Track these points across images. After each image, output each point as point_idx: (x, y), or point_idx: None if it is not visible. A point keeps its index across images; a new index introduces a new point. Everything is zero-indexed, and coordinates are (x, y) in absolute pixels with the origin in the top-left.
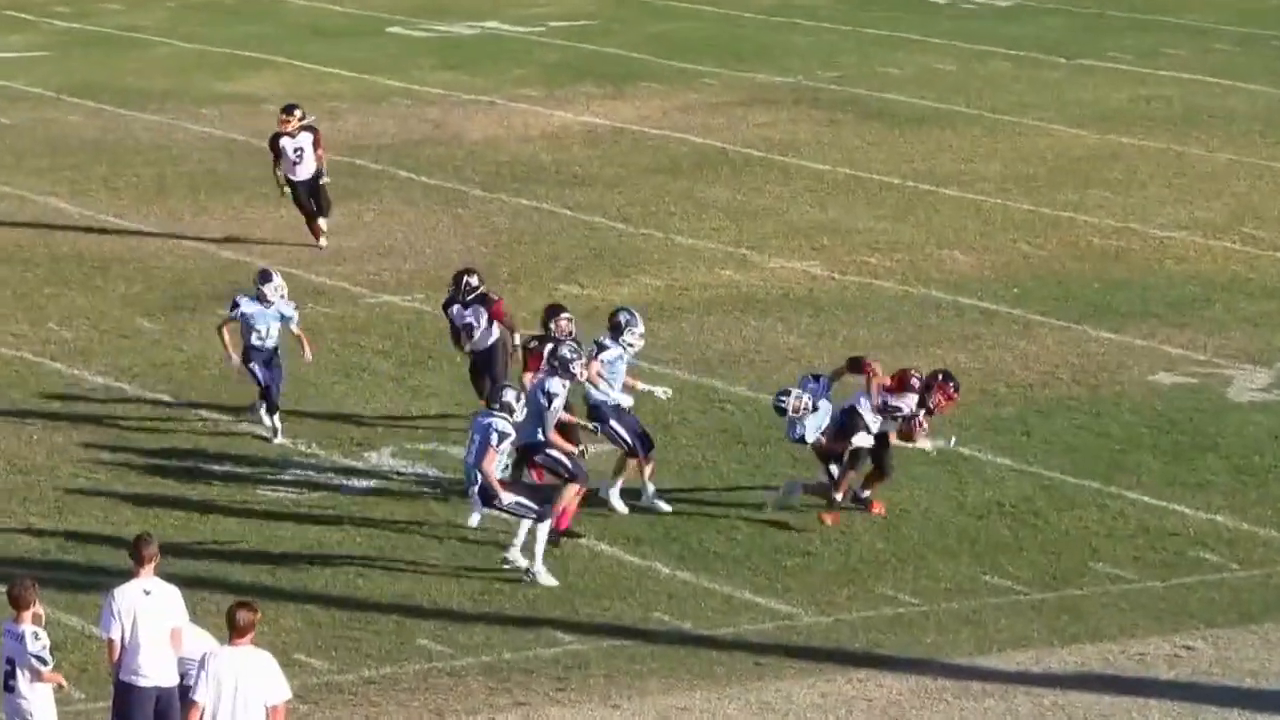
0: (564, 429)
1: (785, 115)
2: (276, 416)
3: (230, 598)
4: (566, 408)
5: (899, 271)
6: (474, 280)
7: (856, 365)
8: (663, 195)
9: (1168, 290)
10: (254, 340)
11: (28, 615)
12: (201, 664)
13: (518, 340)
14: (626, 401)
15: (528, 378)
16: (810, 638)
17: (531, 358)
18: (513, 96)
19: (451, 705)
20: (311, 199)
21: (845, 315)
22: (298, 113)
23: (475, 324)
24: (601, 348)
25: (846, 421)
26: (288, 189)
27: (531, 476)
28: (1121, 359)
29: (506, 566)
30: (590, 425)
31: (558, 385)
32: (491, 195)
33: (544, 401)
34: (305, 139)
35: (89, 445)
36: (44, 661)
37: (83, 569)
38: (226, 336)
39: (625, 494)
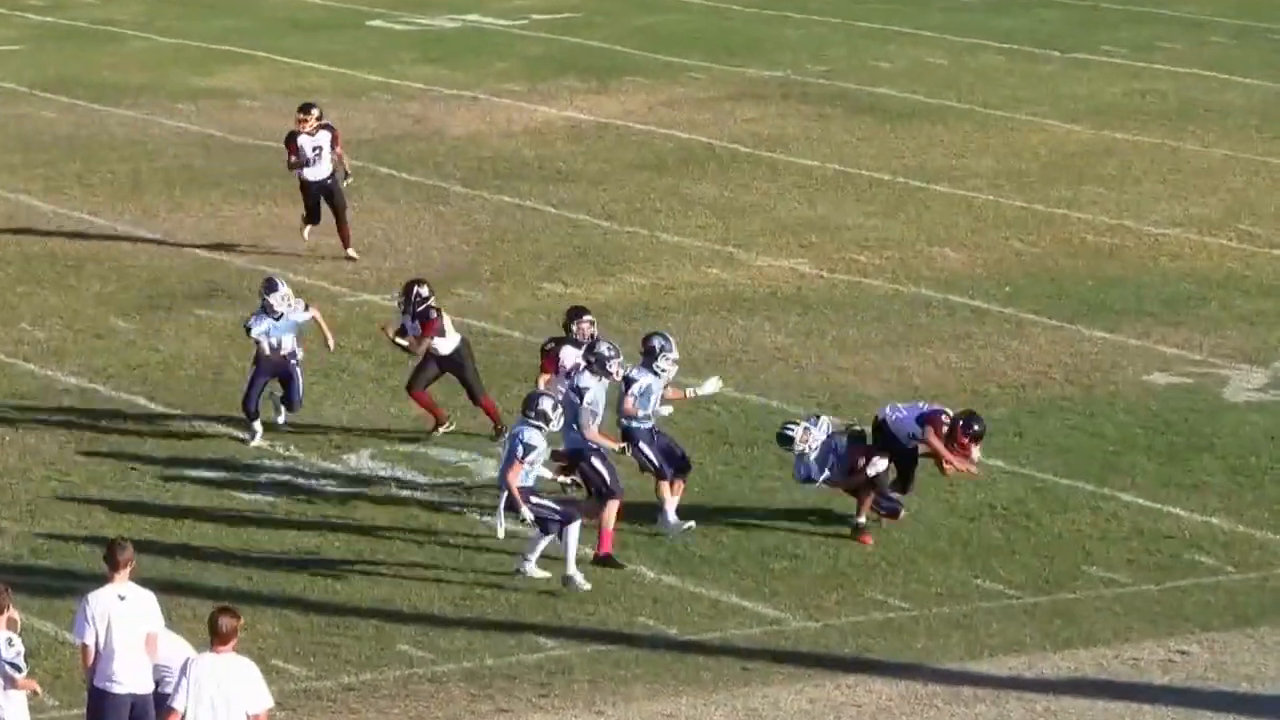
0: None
1: (773, 110)
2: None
3: (206, 602)
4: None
5: (889, 269)
6: (424, 291)
7: (923, 419)
8: (648, 192)
9: (1162, 288)
10: (266, 350)
11: (2, 621)
12: (183, 670)
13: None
14: (665, 411)
15: (543, 380)
16: (798, 643)
17: (547, 359)
18: (495, 91)
19: (432, 712)
20: (324, 200)
21: (834, 314)
22: (315, 111)
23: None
24: (630, 381)
25: (866, 442)
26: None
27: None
28: (1115, 358)
29: (519, 576)
30: (619, 446)
31: (588, 380)
32: (473, 192)
33: (575, 398)
34: (323, 138)
35: (62, 447)
36: (18, 669)
37: (56, 573)
38: (265, 349)
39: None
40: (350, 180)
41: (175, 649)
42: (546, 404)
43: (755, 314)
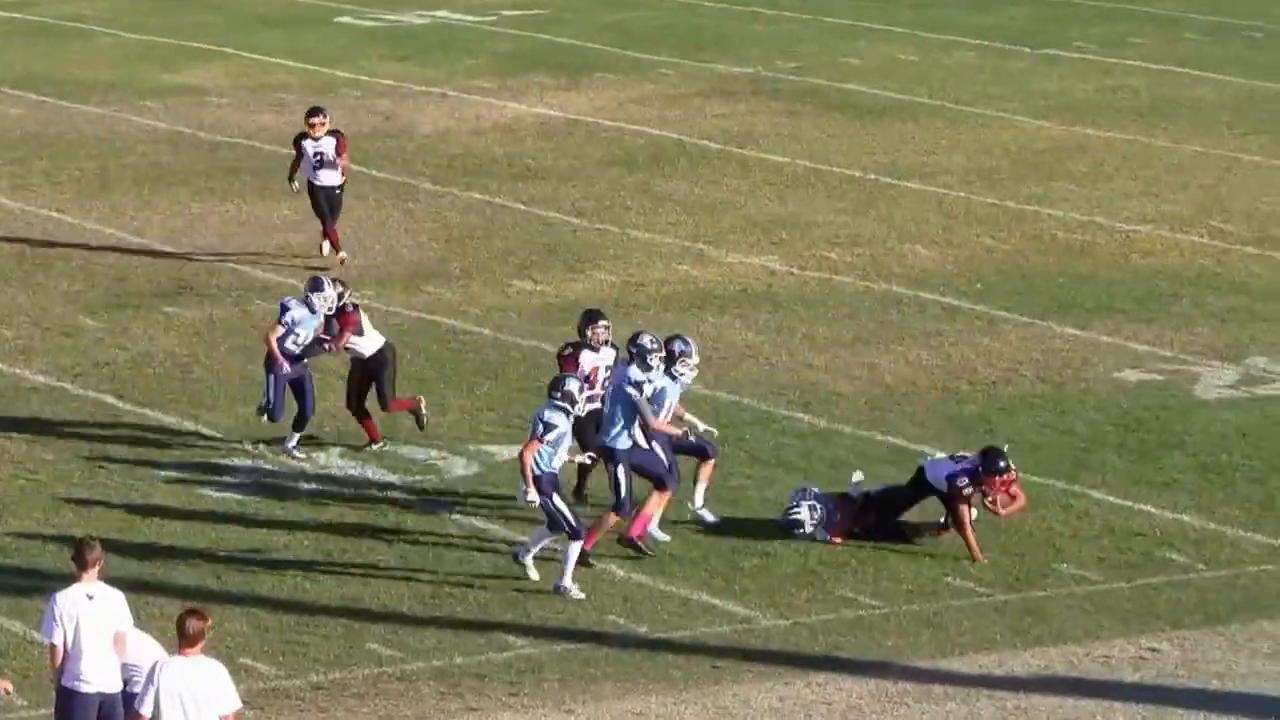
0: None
1: (744, 107)
2: (297, 436)
3: (175, 601)
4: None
5: (860, 266)
6: (340, 289)
7: (952, 484)
8: (618, 189)
9: (1134, 285)
10: (289, 344)
11: None
12: (150, 676)
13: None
14: (674, 431)
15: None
16: (768, 641)
17: (567, 364)
18: (464, 88)
19: (401, 711)
20: (329, 205)
21: (805, 311)
22: (324, 116)
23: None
24: (641, 385)
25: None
26: (296, 186)
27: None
28: (1086, 355)
29: (515, 563)
30: (682, 430)
31: (639, 373)
32: (443, 189)
33: (633, 392)
34: (327, 144)
35: (30, 446)
36: None
37: (24, 572)
38: (275, 345)
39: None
40: (343, 180)
41: (144, 648)
42: (573, 385)
43: (726, 311)
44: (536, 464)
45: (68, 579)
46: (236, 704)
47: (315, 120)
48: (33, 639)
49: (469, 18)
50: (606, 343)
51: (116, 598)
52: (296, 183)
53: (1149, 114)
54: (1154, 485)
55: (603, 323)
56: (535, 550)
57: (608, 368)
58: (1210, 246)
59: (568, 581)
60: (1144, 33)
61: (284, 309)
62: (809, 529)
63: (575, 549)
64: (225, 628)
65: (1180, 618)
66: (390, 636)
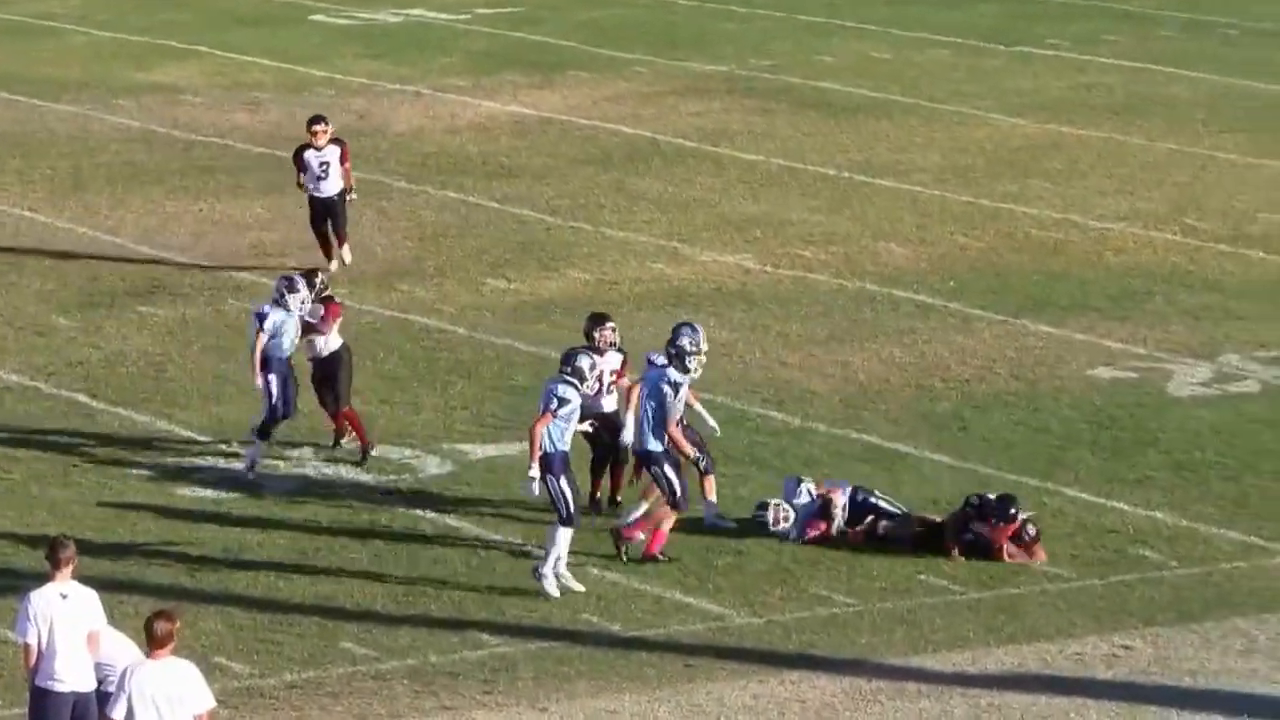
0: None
1: (718, 105)
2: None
3: (149, 600)
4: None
5: (834, 264)
6: (325, 278)
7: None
8: (592, 187)
9: (1108, 283)
10: (276, 350)
11: None
12: (121, 681)
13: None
14: (686, 449)
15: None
16: (742, 639)
17: None
18: (438, 86)
19: (376, 709)
20: (328, 217)
21: (779, 309)
22: (326, 124)
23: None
24: (676, 387)
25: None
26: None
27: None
28: (1060, 353)
29: (541, 586)
30: (693, 455)
31: (677, 374)
32: (417, 187)
33: (669, 392)
34: (332, 153)
35: (3, 445)
36: None
37: None
38: (258, 356)
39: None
40: (353, 197)
41: (118, 647)
42: (584, 362)
43: (700, 309)
44: (549, 440)
45: (41, 578)
46: (210, 702)
47: (317, 128)
48: (6, 638)
49: (443, 16)
50: (613, 345)
51: (90, 597)
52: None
53: (1123, 112)
54: (1127, 483)
55: (610, 325)
56: (563, 565)
57: (613, 371)
58: (1184, 244)
59: (548, 569)
60: (1118, 30)
61: (261, 317)
62: (772, 528)
63: (565, 536)
64: (199, 627)
65: (1153, 615)
66: (364, 635)
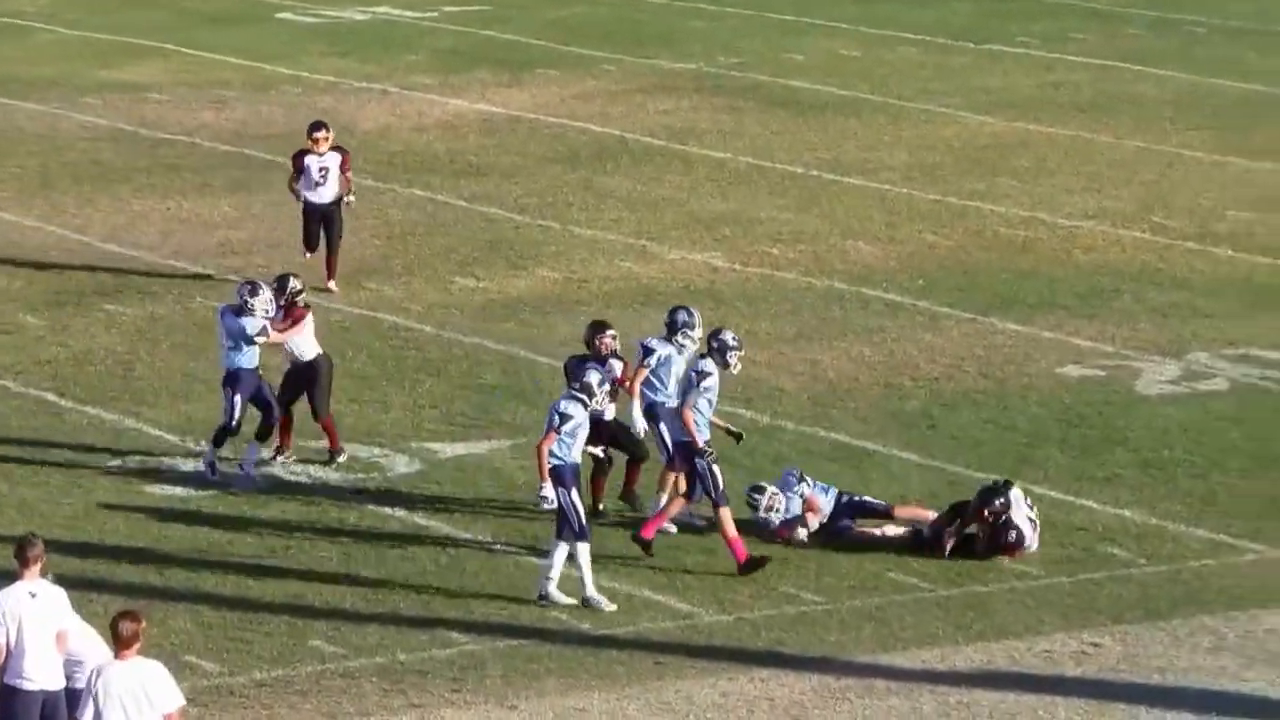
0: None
1: (686, 103)
2: (255, 448)
3: (118, 599)
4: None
5: (802, 262)
6: (298, 285)
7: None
8: (560, 185)
9: (1076, 281)
10: (242, 362)
11: None
12: (88, 683)
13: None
14: (672, 402)
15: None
16: (711, 637)
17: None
18: (406, 84)
19: (345, 707)
20: (323, 225)
21: (747, 307)
22: (327, 131)
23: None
24: (648, 351)
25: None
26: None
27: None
28: (1029, 351)
29: (543, 603)
30: (703, 447)
31: (710, 365)
32: (384, 185)
33: (694, 378)
34: (332, 159)
35: None
36: None
37: None
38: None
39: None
40: (351, 201)
41: (88, 643)
42: (593, 377)
43: (669, 307)
44: (556, 455)
45: (10, 577)
46: (179, 700)
47: (319, 135)
48: None
49: (410, 14)
50: (614, 353)
51: (59, 595)
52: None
53: (1091, 109)
54: (1096, 480)
55: (610, 332)
56: (556, 577)
57: (614, 380)
58: (1152, 242)
59: (591, 591)
60: (1086, 28)
61: (249, 339)
62: (760, 514)
63: (584, 551)
64: (169, 625)
65: (1122, 612)
66: (333, 633)
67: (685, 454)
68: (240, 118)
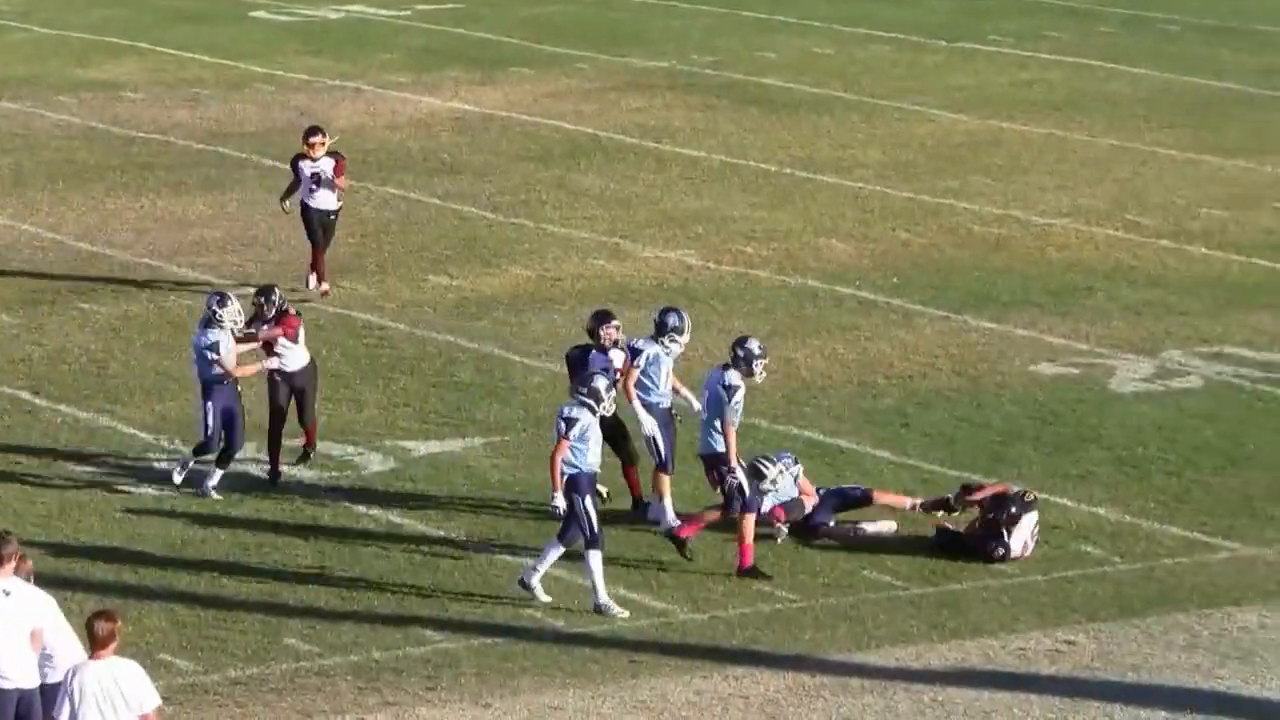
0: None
1: (660, 101)
2: (219, 474)
3: (92, 597)
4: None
5: (776, 260)
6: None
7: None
8: (534, 183)
9: (1049, 279)
10: (217, 371)
11: None
12: (64, 682)
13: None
14: (666, 402)
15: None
16: (686, 635)
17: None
18: (379, 82)
19: (319, 705)
20: (322, 229)
21: (721, 305)
22: (323, 136)
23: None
24: (635, 352)
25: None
26: (288, 206)
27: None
28: (1002, 349)
29: (526, 593)
30: (734, 461)
31: (736, 378)
32: (358, 184)
33: (723, 394)
34: (327, 164)
35: None
36: None
37: None
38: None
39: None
40: (338, 205)
41: (61, 638)
42: (601, 383)
43: (642, 306)
44: (571, 463)
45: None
46: (156, 700)
47: (314, 140)
48: None
49: (384, 12)
50: (617, 343)
51: (34, 593)
52: (289, 204)
53: (1065, 107)
54: (1070, 478)
55: (614, 322)
56: (543, 570)
57: (617, 370)
58: (1126, 240)
59: (604, 598)
60: (1059, 26)
61: (212, 346)
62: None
63: (597, 559)
64: (143, 624)
65: (1096, 610)
66: (308, 632)
67: (717, 463)
68: (214, 116)
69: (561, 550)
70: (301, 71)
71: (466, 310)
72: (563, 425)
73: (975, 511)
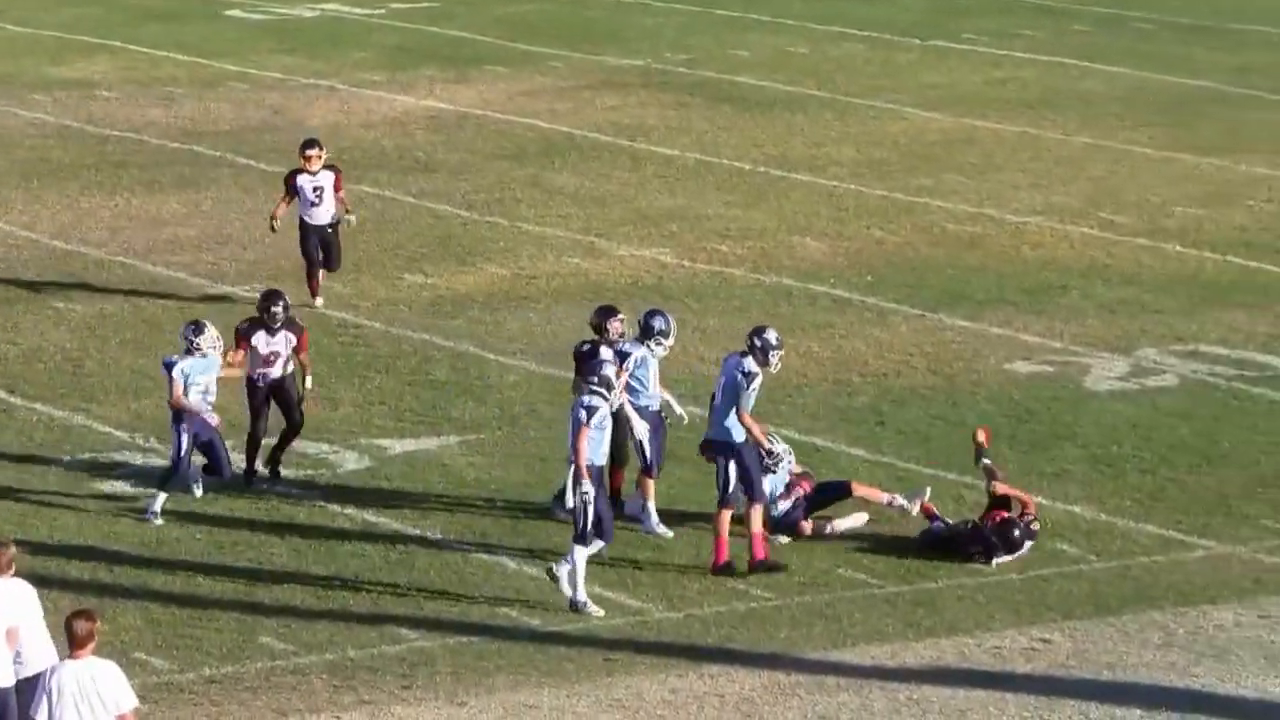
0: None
1: (634, 99)
2: (199, 485)
3: (67, 596)
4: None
5: (750, 259)
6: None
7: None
8: (508, 182)
9: (1024, 277)
10: (194, 396)
11: None
12: (42, 681)
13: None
14: (655, 404)
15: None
16: (661, 633)
17: (585, 361)
18: (354, 81)
19: (295, 704)
20: (321, 247)
21: (696, 304)
22: (320, 149)
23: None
24: (624, 355)
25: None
26: (277, 225)
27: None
28: (977, 347)
29: (583, 615)
30: (767, 441)
31: (754, 365)
32: None
33: (741, 381)
34: (326, 178)
35: None
36: None
37: None
38: (183, 402)
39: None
40: (352, 220)
41: (35, 638)
42: (610, 371)
43: (617, 304)
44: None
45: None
46: (133, 701)
47: (310, 153)
48: None
49: (358, 11)
50: (623, 336)
51: (5, 593)
52: (278, 222)
53: (1039, 106)
54: (1045, 476)
55: (620, 317)
56: (580, 581)
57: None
58: (1100, 238)
59: (581, 596)
60: (1033, 24)
61: (169, 366)
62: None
63: (582, 555)
64: (118, 622)
65: (1071, 609)
66: (283, 630)
67: (728, 453)
68: (188, 115)
69: (591, 549)
70: (275, 70)
71: (441, 308)
72: (584, 414)
73: (986, 499)
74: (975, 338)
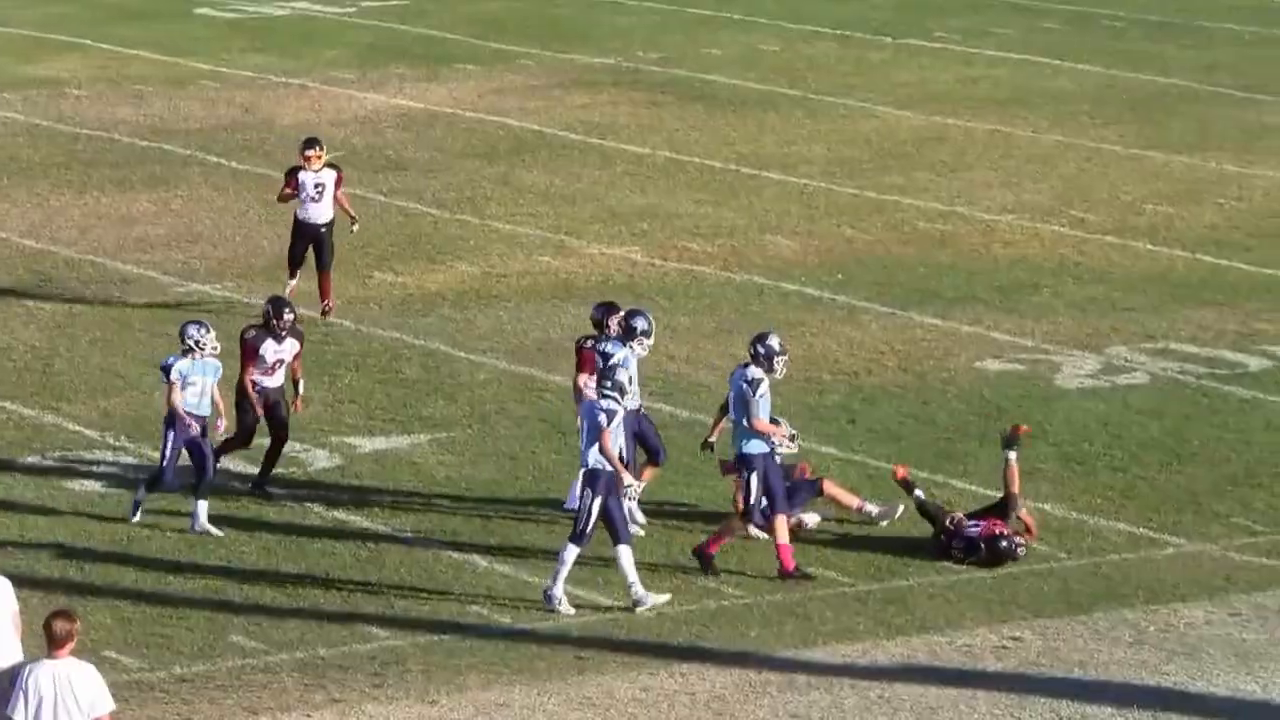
0: None
1: (605, 97)
2: (203, 506)
3: (37, 594)
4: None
5: (721, 257)
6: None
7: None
8: (478, 180)
9: (995, 275)
10: (190, 398)
11: None
12: (18, 680)
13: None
14: (636, 403)
15: (582, 379)
16: (632, 631)
17: (585, 357)
18: (325, 79)
19: (265, 703)
20: (313, 246)
21: (667, 302)
22: (320, 148)
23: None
24: (606, 355)
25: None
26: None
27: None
28: (948, 345)
29: (639, 609)
30: (786, 436)
31: (758, 372)
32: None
33: (747, 391)
34: (327, 176)
35: None
36: None
37: None
38: (179, 407)
39: None
40: (356, 227)
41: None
42: (623, 376)
43: (587, 302)
44: (597, 457)
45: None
46: (109, 705)
47: (311, 153)
48: None
49: (329, 9)
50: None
51: None
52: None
53: (1010, 104)
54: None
55: (621, 314)
56: (634, 577)
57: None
58: (1071, 236)
59: (558, 591)
60: (1004, 23)
61: (166, 369)
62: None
63: (572, 554)
64: (89, 620)
65: (1042, 607)
66: (253, 628)
67: (746, 466)
68: (158, 113)
69: (628, 548)
70: (246, 68)
71: (412, 307)
72: (604, 418)
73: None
74: (946, 336)
